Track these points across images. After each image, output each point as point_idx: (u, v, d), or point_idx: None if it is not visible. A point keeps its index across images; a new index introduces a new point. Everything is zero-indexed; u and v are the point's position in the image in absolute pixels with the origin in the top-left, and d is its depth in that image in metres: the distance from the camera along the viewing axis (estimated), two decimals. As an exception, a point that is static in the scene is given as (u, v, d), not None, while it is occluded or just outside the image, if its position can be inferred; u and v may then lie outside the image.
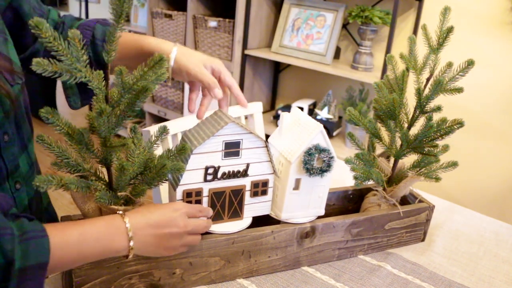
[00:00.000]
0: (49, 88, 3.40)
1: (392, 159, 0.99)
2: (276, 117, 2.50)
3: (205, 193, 0.77)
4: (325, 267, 0.90)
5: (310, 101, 2.41)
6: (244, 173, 0.79)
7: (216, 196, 0.78)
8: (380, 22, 2.03)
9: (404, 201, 1.02)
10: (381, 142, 0.97)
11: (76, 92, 0.90)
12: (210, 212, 0.77)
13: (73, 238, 0.59)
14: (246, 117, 1.52)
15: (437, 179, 0.95)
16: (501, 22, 1.93)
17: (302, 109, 2.31)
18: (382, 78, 1.93)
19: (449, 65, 0.88)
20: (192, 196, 0.76)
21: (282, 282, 0.84)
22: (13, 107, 0.74)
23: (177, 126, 1.30)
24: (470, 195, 2.18)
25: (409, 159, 0.97)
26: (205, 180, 0.76)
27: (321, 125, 0.80)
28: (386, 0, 2.16)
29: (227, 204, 0.80)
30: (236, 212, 0.82)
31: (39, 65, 0.52)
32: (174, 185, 0.76)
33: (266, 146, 0.78)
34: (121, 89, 0.60)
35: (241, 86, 2.52)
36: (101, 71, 0.59)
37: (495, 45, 1.96)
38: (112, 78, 0.62)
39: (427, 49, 0.91)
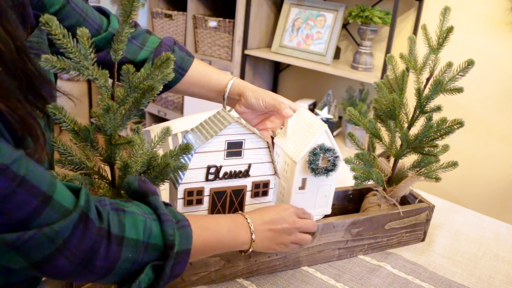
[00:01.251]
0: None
1: (392, 159, 0.99)
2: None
3: (206, 192, 0.77)
4: (325, 267, 0.90)
5: (310, 101, 2.41)
6: (246, 174, 0.79)
7: (217, 196, 0.79)
8: (380, 22, 2.03)
9: (404, 201, 1.02)
10: (381, 142, 0.97)
11: None
12: (313, 216, 0.86)
13: (212, 225, 0.69)
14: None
15: (437, 179, 0.95)
16: (501, 22, 1.93)
17: (302, 109, 2.31)
18: (382, 78, 1.93)
19: (449, 65, 0.88)
20: (193, 195, 0.76)
21: (282, 282, 0.84)
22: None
23: (177, 126, 1.30)
24: (470, 195, 2.18)
25: (409, 159, 0.97)
26: (207, 180, 0.76)
27: (326, 125, 0.80)
28: (386, 0, 2.16)
29: (227, 204, 0.80)
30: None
31: (48, 61, 0.53)
32: (175, 183, 0.76)
33: (268, 147, 0.78)
34: (127, 88, 0.60)
35: (241, 86, 2.52)
36: (106, 71, 0.60)
37: (495, 45, 1.96)
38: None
39: (427, 49, 0.91)
